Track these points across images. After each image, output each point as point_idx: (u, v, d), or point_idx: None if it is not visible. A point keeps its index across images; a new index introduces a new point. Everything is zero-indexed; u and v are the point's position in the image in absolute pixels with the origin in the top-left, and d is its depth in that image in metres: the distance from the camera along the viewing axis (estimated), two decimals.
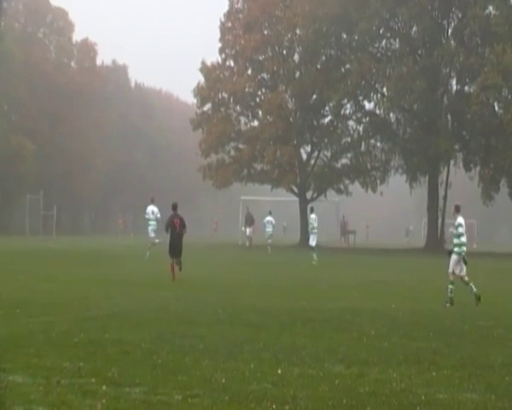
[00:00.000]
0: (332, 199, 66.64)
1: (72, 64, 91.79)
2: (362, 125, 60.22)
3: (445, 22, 56.28)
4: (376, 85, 57.31)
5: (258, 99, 62.89)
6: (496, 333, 13.80)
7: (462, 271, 19.20)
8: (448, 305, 18.49)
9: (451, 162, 57.12)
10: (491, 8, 53.42)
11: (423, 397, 8.51)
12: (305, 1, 57.18)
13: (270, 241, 48.13)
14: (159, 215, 35.52)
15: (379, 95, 57.06)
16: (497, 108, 53.80)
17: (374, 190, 60.15)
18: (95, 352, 10.66)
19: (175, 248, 24.25)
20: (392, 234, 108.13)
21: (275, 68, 61.31)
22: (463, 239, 19.38)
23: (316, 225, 38.02)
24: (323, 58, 59.49)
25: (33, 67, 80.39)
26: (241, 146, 61.95)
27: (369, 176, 60.11)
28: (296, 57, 61.89)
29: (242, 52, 60.81)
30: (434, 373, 9.92)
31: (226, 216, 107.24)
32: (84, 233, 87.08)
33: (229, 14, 63.32)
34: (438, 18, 55.84)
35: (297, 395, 8.46)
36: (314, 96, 59.53)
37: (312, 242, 37.50)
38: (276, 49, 62.23)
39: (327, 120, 62.54)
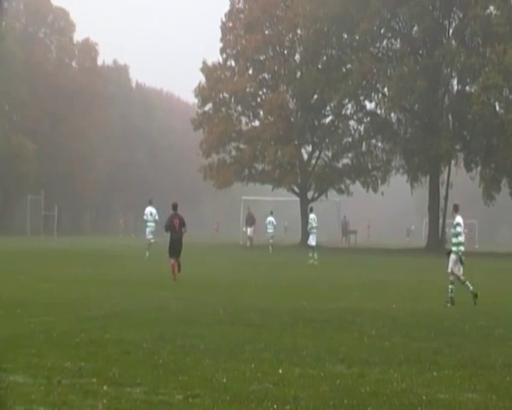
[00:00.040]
0: (333, 199, 66.64)
1: (74, 64, 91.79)
2: (363, 125, 60.20)
3: (446, 22, 56.26)
4: (377, 85, 57.30)
5: (259, 99, 62.90)
6: (497, 333, 13.80)
7: (460, 270, 19.21)
8: (449, 305, 18.50)
9: (452, 162, 57.11)
10: (492, 8, 53.40)
11: (424, 397, 8.51)
12: (306, 1, 57.18)
13: (271, 241, 48.17)
14: (157, 217, 35.67)
15: (380, 95, 57.05)
16: (498, 108, 53.78)
17: (375, 190, 60.12)
18: (96, 352, 10.66)
19: (175, 248, 24.30)
20: (393, 234, 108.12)
21: (276, 68, 61.33)
22: (461, 239, 19.37)
23: (315, 224, 38.11)
24: (324, 58, 59.47)
25: (34, 67, 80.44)
26: (242, 146, 61.95)
27: (370, 176, 60.10)
28: (297, 57, 61.90)
29: (243, 52, 60.82)
30: (435, 373, 9.92)
31: (227, 216, 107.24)
32: (85, 233, 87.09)
33: (230, 14, 63.32)
34: (439, 18, 55.82)
35: (298, 395, 8.46)
36: (315, 96, 59.49)
37: (312, 241, 37.54)
38: (277, 49, 62.24)
39: (328, 119, 62.54)
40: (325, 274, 29.69)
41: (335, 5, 54.26)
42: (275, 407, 7.95)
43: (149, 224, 35.76)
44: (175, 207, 24.94)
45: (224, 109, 62.31)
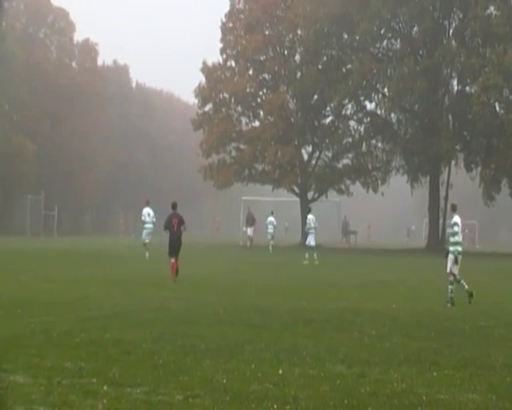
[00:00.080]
0: (333, 199, 66.62)
1: (74, 64, 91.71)
2: (363, 125, 60.17)
3: (446, 22, 56.25)
4: (377, 86, 57.29)
5: (259, 99, 62.87)
6: (497, 333, 13.81)
7: (455, 270, 19.22)
8: (449, 305, 18.51)
9: (452, 163, 57.11)
10: (492, 8, 53.41)
11: (424, 397, 8.51)
12: (306, 1, 57.17)
13: (271, 241, 48.18)
14: (154, 219, 35.44)
15: (380, 95, 57.04)
16: (498, 109, 53.80)
17: (375, 191, 60.10)
18: (96, 352, 10.67)
19: (174, 247, 24.33)
20: (394, 234, 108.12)
21: (276, 69, 61.31)
22: (457, 238, 19.34)
23: (313, 225, 38.13)
24: (324, 58, 59.46)
25: (34, 68, 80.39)
26: (242, 146, 61.92)
27: (371, 176, 60.07)
28: (297, 58, 61.85)
29: (243, 52, 60.80)
30: (435, 373, 9.93)
31: (227, 216, 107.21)
32: (85, 233, 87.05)
33: (231, 15, 63.29)
34: (439, 18, 55.82)
35: (298, 395, 8.46)
36: (315, 97, 59.47)
37: (312, 242, 37.55)
38: (278, 49, 62.21)
39: (328, 120, 62.50)
40: (325, 274, 29.70)
41: (335, 5, 54.26)
42: (275, 407, 7.95)
43: (147, 226, 35.36)
44: (174, 206, 24.94)
45: (224, 110, 62.28)
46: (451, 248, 19.36)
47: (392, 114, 58.38)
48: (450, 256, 19.29)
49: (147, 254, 34.04)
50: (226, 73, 63.12)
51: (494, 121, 51.53)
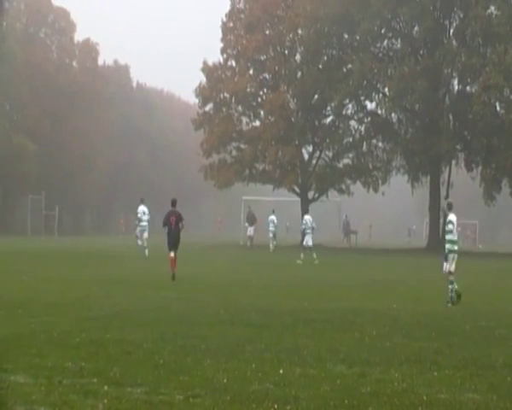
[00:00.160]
0: (334, 199, 66.61)
1: (74, 64, 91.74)
2: (363, 125, 60.12)
3: (447, 22, 56.24)
4: (378, 85, 57.25)
5: (259, 99, 62.84)
6: (497, 333, 13.81)
7: (448, 267, 19.19)
8: (449, 305, 18.50)
9: (453, 162, 57.09)
10: (492, 8, 53.37)
11: (425, 397, 8.52)
12: (306, 1, 57.14)
13: (272, 240, 48.14)
14: (149, 217, 36.17)
15: (380, 95, 57.00)
16: (498, 108, 53.76)
17: (375, 191, 60.07)
18: (96, 352, 10.67)
19: (171, 242, 24.32)
20: (394, 234, 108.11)
21: (276, 68, 61.28)
22: (451, 236, 19.29)
23: (310, 225, 38.20)
24: (325, 58, 59.44)
25: (35, 67, 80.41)
26: (242, 146, 61.90)
27: (371, 176, 60.03)
28: (298, 57, 61.80)
29: (244, 52, 60.78)
30: (436, 373, 9.93)
31: (228, 216, 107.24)
32: (85, 233, 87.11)
33: (231, 15, 63.28)
34: (439, 18, 55.80)
35: (299, 395, 8.47)
36: (316, 96, 59.46)
37: (309, 242, 37.58)
38: (278, 49, 62.17)
39: (328, 120, 62.46)
40: (326, 274, 29.70)
41: (336, 5, 54.24)
42: (275, 407, 7.96)
43: (142, 223, 36.08)
44: (173, 203, 24.90)
45: (224, 109, 62.26)
46: (447, 246, 19.34)
47: (393, 114, 58.35)
48: (449, 256, 19.23)
49: (146, 251, 34.30)
50: (227, 72, 63.09)
51: (495, 121, 51.50)
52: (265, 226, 50.68)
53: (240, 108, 62.85)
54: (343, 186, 61.41)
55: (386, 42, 59.08)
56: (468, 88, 56.23)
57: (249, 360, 10.40)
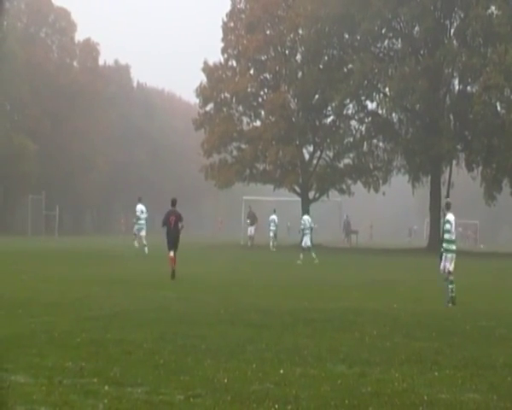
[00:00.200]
0: (334, 199, 66.59)
1: (75, 64, 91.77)
2: (364, 125, 60.12)
3: (448, 22, 56.23)
4: (378, 85, 57.23)
5: (260, 99, 62.83)
6: (498, 333, 13.81)
7: (440, 266, 19.17)
8: (450, 305, 18.49)
9: (454, 162, 57.07)
10: (493, 8, 53.34)
11: (425, 397, 8.52)
12: (307, 1, 57.13)
13: (273, 240, 48.15)
14: (147, 215, 36.66)
15: (381, 95, 56.97)
16: (499, 108, 53.75)
17: (376, 190, 60.05)
18: (97, 352, 10.67)
19: (171, 242, 24.33)
20: (395, 234, 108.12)
21: (277, 68, 61.27)
22: (447, 236, 19.28)
23: (308, 225, 38.24)
24: (326, 58, 59.42)
25: (35, 67, 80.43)
26: (243, 146, 61.89)
27: (372, 176, 60.01)
28: (298, 57, 61.79)
29: (245, 52, 60.76)
30: (436, 373, 9.93)
31: (228, 216, 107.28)
32: (86, 233, 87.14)
33: (232, 14, 63.28)
34: (440, 18, 55.79)
35: (299, 394, 8.46)
36: (316, 96, 59.44)
37: (308, 242, 37.59)
38: (279, 49, 62.16)
39: (329, 120, 62.44)
40: (326, 274, 29.70)
41: (336, 5, 54.23)
42: (276, 406, 7.95)
43: (140, 222, 36.43)
44: (173, 203, 24.89)
45: (225, 109, 62.25)
46: (444, 245, 19.34)
47: (394, 114, 58.33)
48: (448, 255, 19.20)
49: (146, 249, 34.50)
50: (227, 72, 63.08)
51: (495, 121, 51.49)
52: (266, 226, 50.69)
53: (240, 108, 62.85)
54: (344, 186, 61.39)
55: (386, 42, 59.08)
56: (468, 88, 56.22)
57: (250, 359, 10.40)
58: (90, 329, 12.80)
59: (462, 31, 54.17)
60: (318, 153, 62.58)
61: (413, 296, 20.81)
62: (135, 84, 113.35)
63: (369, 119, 59.58)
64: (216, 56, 64.38)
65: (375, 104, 58.48)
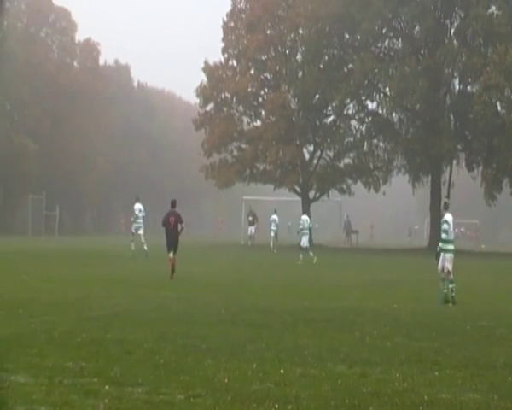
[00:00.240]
0: (334, 199, 66.58)
1: (75, 64, 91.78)
2: (364, 124, 60.13)
3: (448, 22, 56.22)
4: (379, 85, 57.23)
5: (260, 99, 62.85)
6: (498, 333, 13.80)
7: (438, 265, 19.18)
8: (450, 305, 18.49)
9: (454, 162, 57.08)
10: (493, 7, 53.36)
11: (426, 397, 8.51)
12: (307, 1, 57.14)
13: (274, 239, 48.13)
14: (144, 214, 37.03)
15: (381, 95, 56.99)
16: (499, 108, 53.75)
17: (376, 190, 60.07)
18: (97, 352, 10.67)
19: (170, 242, 24.35)
20: (395, 234, 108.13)
21: (277, 68, 61.28)
22: (444, 236, 19.27)
23: (306, 225, 38.24)
24: (326, 58, 59.40)
25: (36, 67, 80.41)
26: (243, 146, 61.91)
27: (372, 176, 60.03)
28: (299, 57, 61.81)
29: (245, 52, 60.79)
30: (437, 373, 9.92)
31: (229, 216, 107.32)
32: (86, 233, 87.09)
33: (232, 14, 63.30)
34: (440, 18, 55.78)
35: (299, 394, 8.46)
36: (317, 96, 59.42)
37: (306, 243, 37.60)
38: (279, 48, 62.18)
39: (329, 119, 62.45)
40: (326, 274, 29.69)
41: (337, 5, 54.24)
42: (276, 406, 7.95)
43: (138, 220, 36.68)
44: (173, 204, 24.90)
45: (225, 109, 62.28)
46: (440, 245, 19.35)
47: (394, 114, 58.36)
48: (446, 255, 19.19)
49: (145, 246, 34.66)
50: (228, 72, 63.10)
51: (495, 121, 51.48)
52: (266, 226, 50.65)
53: (241, 107, 62.88)
54: (344, 186, 61.42)
55: (387, 42, 59.09)
56: (468, 88, 56.22)
57: (250, 359, 10.39)
58: (91, 329, 12.79)
59: (462, 31, 54.18)
60: (319, 153, 62.60)
61: (413, 296, 20.81)
62: (135, 83, 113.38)
63: (370, 119, 59.59)
64: (216, 56, 64.51)
65: (375, 104, 58.54)
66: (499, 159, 52.92)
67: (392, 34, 58.32)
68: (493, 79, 49.10)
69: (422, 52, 55.68)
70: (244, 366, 9.95)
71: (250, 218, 54.48)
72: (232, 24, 62.98)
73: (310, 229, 38.68)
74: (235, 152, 62.17)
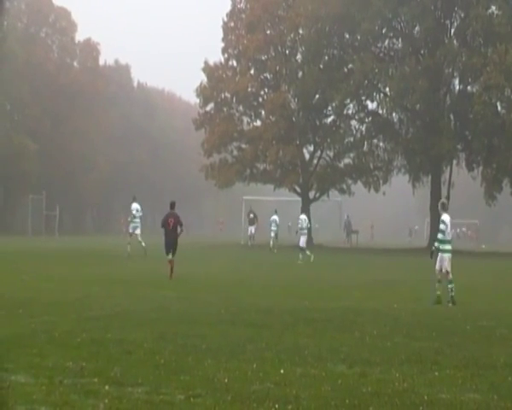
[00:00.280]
0: (334, 199, 66.59)
1: (75, 64, 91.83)
2: (364, 124, 60.16)
3: (448, 22, 56.24)
4: (379, 85, 57.23)
5: (260, 99, 62.87)
6: (498, 333, 13.79)
7: (436, 265, 19.18)
8: (450, 305, 18.49)
9: (454, 162, 57.09)
10: (493, 7, 53.38)
11: (426, 397, 8.50)
12: (307, 1, 57.13)
13: (274, 240, 48.12)
14: (141, 213, 37.21)
15: (381, 95, 57.01)
16: (499, 108, 53.76)
17: (376, 190, 60.10)
18: (97, 352, 10.66)
19: (169, 244, 24.35)
20: (395, 234, 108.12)
21: (277, 68, 61.31)
22: (441, 236, 19.24)
23: (305, 225, 38.23)
24: (326, 58, 59.41)
25: (36, 67, 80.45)
26: (243, 146, 61.94)
27: (372, 176, 60.06)
28: (299, 57, 61.84)
29: (245, 52, 60.81)
30: (437, 373, 9.92)
31: (229, 216, 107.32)
32: (86, 233, 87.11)
33: (232, 14, 63.33)
34: (440, 18, 55.79)
35: (299, 394, 8.45)
36: (317, 96, 59.43)
37: (303, 243, 37.59)
38: (279, 48, 62.21)
39: (329, 119, 62.48)
40: (326, 274, 29.69)
41: (337, 5, 54.25)
42: (276, 406, 7.95)
43: (136, 220, 36.79)
44: (172, 206, 24.89)
45: (225, 109, 62.31)
46: (436, 244, 19.34)
47: (394, 114, 58.38)
48: (444, 256, 19.17)
49: (143, 243, 34.79)
50: (228, 72, 63.13)
51: (495, 121, 51.48)
52: (267, 226, 50.63)
53: (241, 107, 62.92)
54: (344, 186, 61.45)
55: (387, 42, 59.11)
56: (468, 88, 56.23)
57: (250, 359, 10.39)
58: (91, 329, 12.78)
59: (462, 30, 54.19)
60: (319, 153, 62.63)
61: (413, 296, 20.80)
62: (135, 83, 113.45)
63: (370, 118, 59.62)
64: (216, 56, 64.55)
65: (375, 104, 58.56)
66: (499, 159, 52.94)
67: (392, 34, 58.33)
68: (493, 79, 49.11)
69: (422, 52, 55.69)
70: (244, 366, 9.95)
71: (251, 215, 54.39)
72: (232, 24, 63.01)
73: (308, 229, 38.65)
74: (235, 152, 62.20)
